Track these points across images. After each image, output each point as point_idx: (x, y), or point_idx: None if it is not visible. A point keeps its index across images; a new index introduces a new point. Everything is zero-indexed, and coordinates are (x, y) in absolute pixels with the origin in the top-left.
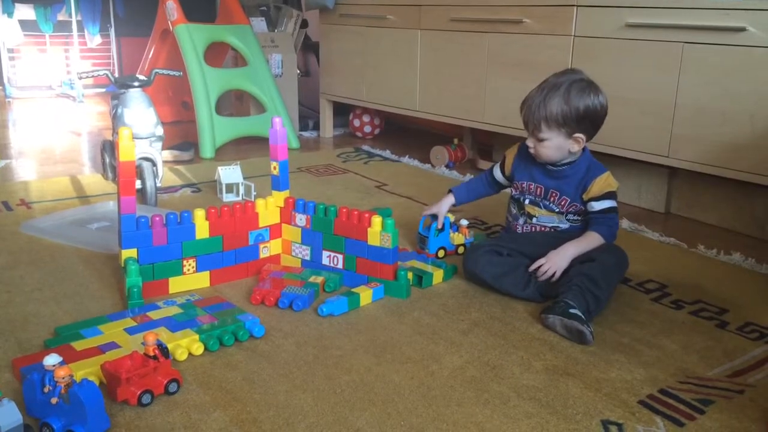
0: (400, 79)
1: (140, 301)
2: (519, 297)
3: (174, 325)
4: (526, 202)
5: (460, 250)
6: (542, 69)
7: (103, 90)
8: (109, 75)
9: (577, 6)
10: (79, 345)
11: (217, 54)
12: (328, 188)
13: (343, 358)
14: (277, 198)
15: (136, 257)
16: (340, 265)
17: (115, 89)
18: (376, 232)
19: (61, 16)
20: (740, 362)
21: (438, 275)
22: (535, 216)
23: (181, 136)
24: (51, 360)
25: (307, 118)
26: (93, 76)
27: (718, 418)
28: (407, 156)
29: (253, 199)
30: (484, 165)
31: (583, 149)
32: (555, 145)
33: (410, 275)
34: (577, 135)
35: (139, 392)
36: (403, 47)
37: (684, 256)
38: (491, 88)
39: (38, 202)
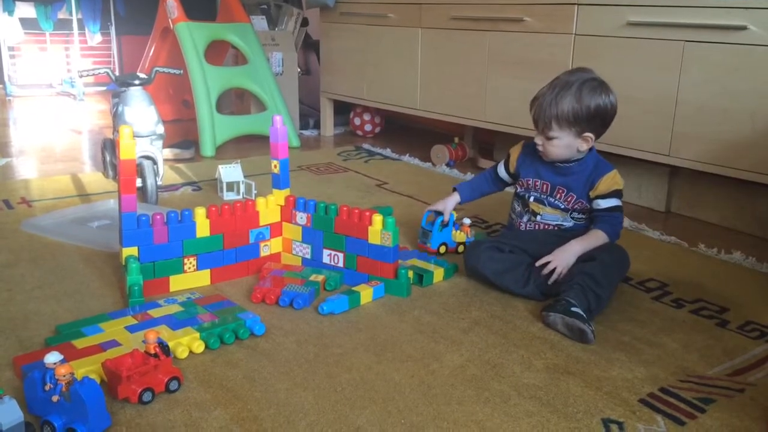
0: (401, 77)
1: (141, 300)
2: (519, 294)
3: (175, 323)
4: (531, 199)
5: (460, 249)
6: (543, 67)
7: (104, 88)
8: (110, 73)
9: (578, 4)
10: (79, 343)
11: (217, 52)
12: (329, 187)
13: (343, 356)
14: (278, 196)
15: (136, 255)
16: (340, 264)
17: (116, 87)
18: (377, 231)
19: (61, 15)
20: (741, 361)
21: (438, 274)
22: (539, 213)
23: (182, 134)
24: (52, 358)
25: (308, 116)
26: (94, 75)
27: (719, 417)
28: (408, 155)
29: (253, 198)
30: (484, 164)
31: (590, 147)
32: (564, 144)
33: (411, 274)
34: (586, 134)
35: (139, 390)
36: (403, 45)
37: (685, 255)
38: (492, 86)
39: (39, 200)
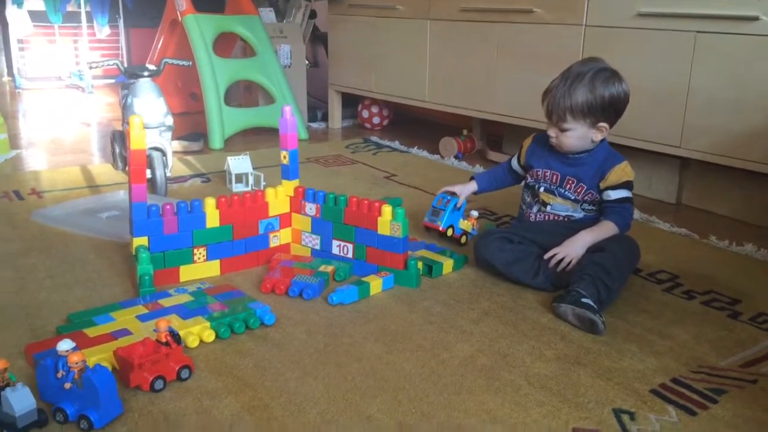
0: (409, 69)
1: (151, 289)
2: (529, 285)
3: (185, 312)
4: (541, 189)
5: (463, 239)
6: (553, 59)
7: (112, 81)
8: (119, 65)
9: None
10: (91, 331)
11: (225, 44)
12: (337, 179)
13: (353, 346)
14: (287, 187)
15: (147, 245)
16: (350, 255)
17: (125, 79)
18: (387, 222)
19: (70, 7)
20: (752, 352)
21: (448, 265)
22: (549, 204)
23: (190, 126)
24: (64, 345)
25: (316, 109)
26: (104, 66)
27: (731, 408)
28: (416, 147)
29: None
30: (493, 156)
31: (603, 138)
32: (578, 135)
33: (420, 265)
34: (601, 124)
35: (151, 378)
36: (412, 38)
37: (695, 247)
38: (501, 78)
39: (49, 191)
